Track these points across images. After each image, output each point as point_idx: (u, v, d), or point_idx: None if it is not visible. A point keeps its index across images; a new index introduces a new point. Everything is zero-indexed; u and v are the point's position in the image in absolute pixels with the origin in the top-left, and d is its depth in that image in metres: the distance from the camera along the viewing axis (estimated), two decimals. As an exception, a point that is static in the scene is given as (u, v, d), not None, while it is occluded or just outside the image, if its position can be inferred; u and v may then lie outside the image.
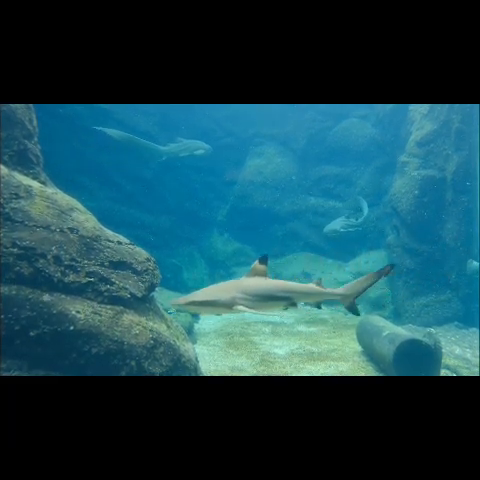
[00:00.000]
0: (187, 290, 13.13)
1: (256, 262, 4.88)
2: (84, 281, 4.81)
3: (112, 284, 4.99)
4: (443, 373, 7.96)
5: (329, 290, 5.29)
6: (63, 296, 4.60)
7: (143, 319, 5.10)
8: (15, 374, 4.20)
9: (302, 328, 12.07)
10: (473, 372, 8.25)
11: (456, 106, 12.86)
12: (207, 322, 12.08)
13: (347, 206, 16.83)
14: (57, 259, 4.68)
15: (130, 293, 5.08)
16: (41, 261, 4.56)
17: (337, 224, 14.72)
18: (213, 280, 16.50)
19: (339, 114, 18.26)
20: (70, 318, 4.48)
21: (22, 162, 5.47)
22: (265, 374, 7.90)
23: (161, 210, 16.86)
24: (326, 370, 8.21)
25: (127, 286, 5.11)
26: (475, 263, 12.46)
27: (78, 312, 4.54)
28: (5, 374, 4.15)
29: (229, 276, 16.65)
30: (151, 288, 5.45)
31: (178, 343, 5.48)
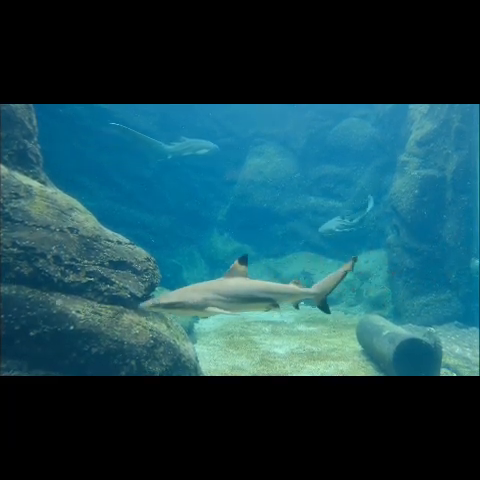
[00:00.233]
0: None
1: (236, 262, 4.78)
2: (84, 281, 4.81)
3: (112, 284, 4.99)
4: (443, 372, 7.96)
5: (304, 290, 5.11)
6: (63, 296, 4.61)
7: (143, 319, 5.11)
8: (15, 374, 4.20)
9: (302, 327, 12.07)
10: (473, 371, 8.25)
11: (456, 105, 12.84)
12: (207, 322, 12.08)
13: (347, 205, 16.84)
14: (57, 259, 4.68)
15: (130, 293, 5.09)
16: (41, 261, 4.56)
17: (332, 224, 14.74)
18: (213, 279, 16.49)
19: (339, 113, 18.25)
20: (70, 318, 4.48)
21: (22, 162, 5.47)
22: (265, 373, 7.90)
23: (161, 210, 16.86)
24: (326, 369, 8.21)
25: (127, 286, 5.11)
26: (477, 262, 12.46)
27: (78, 312, 4.55)
28: (5, 374, 4.15)
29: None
30: (151, 288, 5.46)
31: (178, 343, 5.48)
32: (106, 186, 15.28)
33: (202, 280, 16.19)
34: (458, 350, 9.80)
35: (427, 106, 13.73)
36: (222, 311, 4.26)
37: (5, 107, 5.31)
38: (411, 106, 14.66)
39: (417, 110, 14.25)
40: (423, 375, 6.94)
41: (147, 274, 5.45)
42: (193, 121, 17.67)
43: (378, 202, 16.36)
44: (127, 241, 5.64)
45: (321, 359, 8.90)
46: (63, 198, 5.41)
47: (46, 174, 5.91)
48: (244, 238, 17.76)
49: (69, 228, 5.00)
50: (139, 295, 5.16)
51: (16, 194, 4.80)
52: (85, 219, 5.34)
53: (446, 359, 8.47)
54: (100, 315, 4.70)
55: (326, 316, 13.63)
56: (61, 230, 4.90)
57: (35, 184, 5.25)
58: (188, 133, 16.01)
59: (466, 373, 8.16)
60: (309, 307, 14.74)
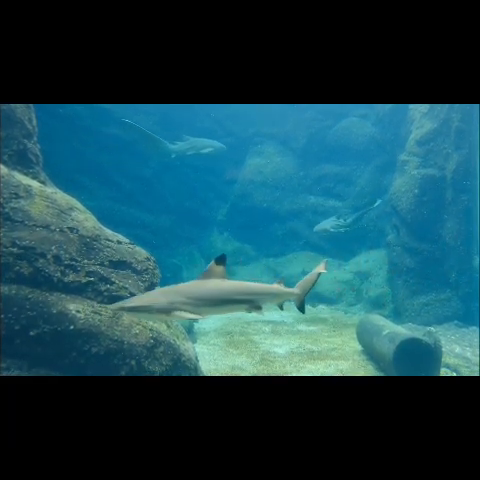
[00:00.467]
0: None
1: (212, 263, 4.43)
2: (84, 281, 4.81)
3: (112, 283, 5.00)
4: (443, 372, 7.96)
5: (288, 290, 4.93)
6: (63, 295, 4.61)
7: (143, 318, 5.11)
8: (15, 373, 4.20)
9: (302, 327, 12.07)
10: (473, 371, 8.25)
11: (456, 105, 12.83)
12: (207, 321, 12.08)
13: (347, 205, 16.84)
14: (57, 259, 4.68)
15: (130, 293, 5.09)
16: (41, 261, 4.57)
17: (327, 224, 14.76)
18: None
19: (339, 113, 18.24)
20: (70, 317, 4.49)
21: (22, 162, 5.47)
22: (265, 373, 7.90)
23: (161, 209, 16.85)
24: (326, 369, 8.22)
25: (127, 285, 5.11)
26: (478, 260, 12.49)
27: (78, 311, 4.55)
28: (5, 373, 4.15)
29: (229, 275, 16.60)
30: (151, 287, 5.46)
31: (178, 342, 5.48)
32: (106, 186, 15.27)
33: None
34: (458, 349, 9.80)
35: (427, 105, 13.72)
36: (190, 316, 4.00)
37: (5, 107, 5.31)
38: (411, 106, 14.65)
39: (417, 110, 14.24)
40: (423, 375, 6.94)
41: (147, 274, 5.45)
42: (193, 121, 17.67)
43: (375, 199, 16.34)
44: (127, 241, 5.64)
45: (321, 359, 8.90)
46: (63, 198, 5.41)
47: (46, 174, 5.91)
48: (244, 238, 17.76)
49: (69, 228, 5.00)
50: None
51: (16, 194, 4.80)
52: (85, 219, 5.34)
53: (446, 359, 8.47)
54: (100, 315, 4.70)
55: (326, 316, 13.65)
56: (61, 230, 4.90)
57: (35, 184, 5.25)
58: (188, 133, 15.99)
59: (466, 373, 8.17)
60: (309, 306, 14.75)
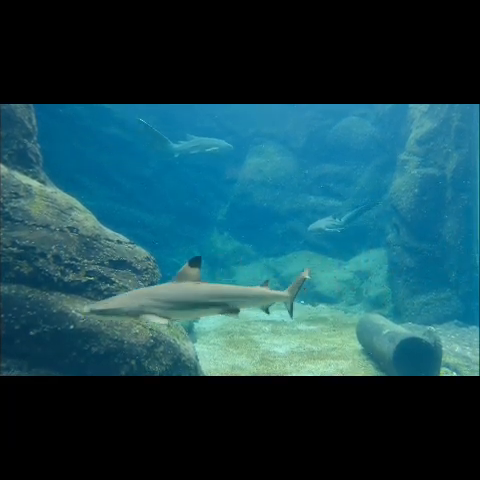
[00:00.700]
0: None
1: (186, 265, 4.37)
2: (84, 280, 4.81)
3: (112, 283, 5.00)
4: (443, 371, 7.96)
5: (275, 293, 4.82)
6: (63, 295, 4.61)
7: (143, 318, 5.11)
8: (15, 373, 4.21)
9: (302, 327, 12.07)
10: (473, 370, 8.25)
11: (456, 104, 12.83)
12: (207, 321, 12.08)
13: (347, 205, 16.84)
14: (57, 258, 4.68)
15: (130, 292, 5.08)
16: (41, 260, 4.57)
17: (322, 223, 14.76)
18: (213, 279, 16.50)
19: (339, 112, 18.23)
20: (70, 317, 4.49)
21: (22, 161, 5.47)
22: (265, 373, 7.90)
23: (161, 209, 16.86)
24: (326, 368, 8.22)
25: (127, 285, 5.11)
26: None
27: (78, 311, 4.55)
28: (5, 373, 4.15)
29: (229, 275, 16.65)
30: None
31: (178, 342, 5.48)
32: (106, 185, 15.28)
33: (203, 279, 16.30)
34: (458, 349, 9.80)
35: (427, 105, 13.72)
36: (159, 320, 3.89)
37: (5, 106, 5.31)
38: (411, 105, 14.65)
39: (417, 109, 14.24)
40: (423, 374, 6.94)
41: (147, 273, 5.45)
42: (193, 121, 17.66)
43: (377, 202, 16.36)
44: (127, 240, 5.65)
45: (321, 358, 8.90)
46: (63, 197, 5.41)
47: (46, 173, 5.91)
48: (244, 237, 17.76)
49: (69, 227, 5.00)
50: (139, 294, 5.16)
51: (16, 193, 4.80)
52: (85, 218, 5.34)
53: (446, 358, 8.47)
54: (100, 314, 4.70)
55: (326, 315, 13.65)
56: (61, 229, 4.91)
57: (35, 183, 5.25)
58: (188, 133, 15.99)
59: (466, 372, 8.17)
60: (309, 306, 14.77)
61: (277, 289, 5.61)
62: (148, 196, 16.40)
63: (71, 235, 4.95)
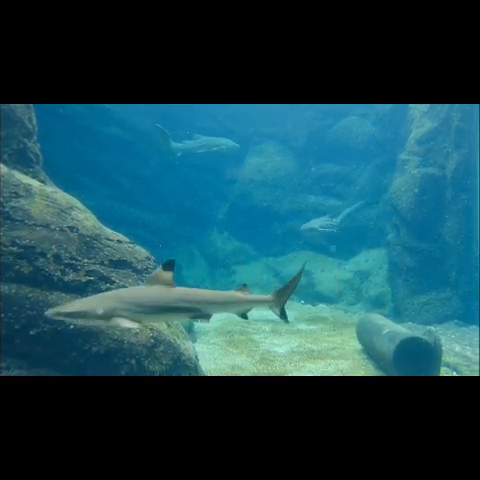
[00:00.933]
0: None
1: (159, 268, 4.27)
2: (84, 280, 4.81)
3: (112, 283, 5.00)
4: (443, 371, 7.96)
5: (253, 297, 4.54)
6: (63, 295, 4.61)
7: (143, 318, 5.10)
8: (15, 373, 4.21)
9: (302, 326, 12.07)
10: (473, 370, 8.25)
11: (456, 104, 12.83)
12: (207, 321, 12.07)
13: (347, 204, 16.84)
14: (57, 258, 4.68)
15: (130, 292, 5.08)
16: (41, 260, 4.57)
17: (315, 223, 14.73)
18: (213, 278, 16.51)
19: (339, 112, 18.22)
20: (70, 317, 4.48)
21: (22, 161, 5.47)
22: (265, 372, 7.90)
23: (161, 209, 16.85)
24: (326, 368, 8.22)
25: (127, 285, 5.11)
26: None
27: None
28: (5, 373, 4.15)
29: (229, 274, 16.64)
30: (151, 287, 5.45)
31: (178, 342, 5.48)
32: (106, 185, 15.28)
33: (203, 279, 16.31)
34: (458, 348, 9.80)
35: (427, 105, 13.72)
36: (128, 324, 3.79)
37: (5, 106, 5.31)
38: (411, 105, 14.65)
39: (417, 109, 14.24)
40: (423, 374, 6.94)
41: (147, 273, 5.45)
42: (193, 121, 17.65)
43: (378, 201, 16.36)
44: (127, 240, 5.65)
45: (321, 358, 8.90)
46: (63, 197, 5.41)
47: (46, 173, 5.91)
48: (244, 237, 17.74)
49: (69, 227, 5.00)
50: (139, 294, 5.16)
51: (16, 193, 4.80)
52: (85, 218, 5.34)
53: (446, 358, 8.47)
54: (100, 314, 4.70)
55: (326, 315, 13.65)
56: (61, 229, 4.90)
57: (35, 183, 5.25)
58: (189, 132, 16.00)
59: (466, 371, 8.17)
60: (309, 306, 14.76)
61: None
62: (148, 196, 16.40)
63: (71, 235, 4.95)
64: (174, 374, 5.20)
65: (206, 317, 4.26)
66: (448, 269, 12.88)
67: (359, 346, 9.56)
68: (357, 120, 18.17)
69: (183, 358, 5.40)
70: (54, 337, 4.38)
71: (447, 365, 8.41)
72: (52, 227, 4.84)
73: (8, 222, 4.57)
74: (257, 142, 19.14)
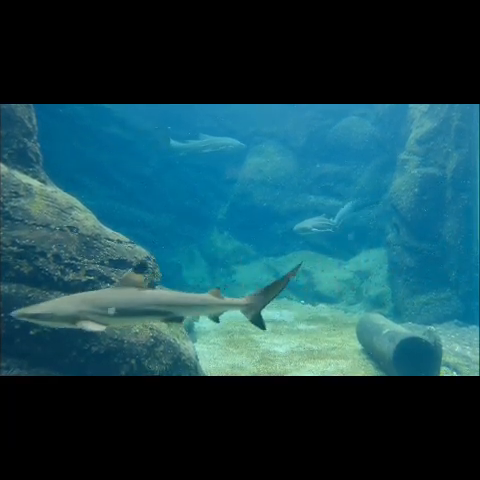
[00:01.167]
0: (187, 289, 13.13)
1: (129, 271, 4.20)
2: (84, 280, 4.81)
3: (112, 283, 4.99)
4: (443, 371, 7.96)
5: (225, 301, 4.37)
6: (63, 295, 4.61)
7: (143, 318, 5.10)
8: (15, 373, 4.21)
9: (302, 326, 12.07)
10: (473, 370, 8.25)
11: (456, 104, 12.83)
12: (207, 321, 12.06)
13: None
14: (57, 258, 4.68)
15: (130, 292, 5.08)
16: (41, 260, 4.57)
17: (308, 223, 14.69)
18: (213, 278, 16.50)
19: (339, 112, 18.21)
20: (70, 317, 4.47)
21: (22, 160, 5.47)
22: (265, 372, 7.90)
23: (161, 208, 16.84)
24: (326, 368, 8.22)
25: (127, 285, 5.10)
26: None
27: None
28: (5, 373, 4.15)
29: (229, 274, 16.64)
30: (151, 287, 5.46)
31: (178, 341, 5.48)
32: (106, 185, 15.27)
33: (203, 279, 16.32)
34: (458, 348, 9.80)
35: (427, 105, 13.71)
36: (94, 327, 3.70)
37: (5, 106, 5.31)
38: (411, 105, 14.64)
39: (417, 109, 14.23)
40: (423, 374, 6.94)
41: (147, 273, 5.45)
42: (193, 120, 17.64)
43: (378, 201, 16.36)
44: (127, 240, 5.64)
45: (321, 358, 8.90)
46: (63, 197, 5.41)
47: (46, 173, 5.91)
48: (244, 237, 17.74)
49: (69, 227, 5.00)
50: (139, 294, 5.16)
51: (16, 193, 4.80)
52: (85, 218, 5.34)
53: (446, 357, 8.47)
54: (100, 314, 4.69)
55: (326, 315, 13.65)
56: (61, 229, 4.90)
57: (35, 183, 5.25)
58: (189, 132, 16.01)
59: (466, 371, 8.17)
60: (309, 306, 14.76)
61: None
62: (148, 195, 16.39)
63: (71, 234, 4.95)
64: (174, 374, 5.20)
65: (178, 320, 4.21)
66: (448, 269, 12.87)
67: (359, 346, 9.56)
68: (357, 120, 18.16)
69: (183, 358, 5.40)
70: (54, 337, 4.38)
71: (447, 365, 8.42)
72: (52, 227, 4.84)
73: (8, 222, 4.57)
74: (257, 142, 19.12)
